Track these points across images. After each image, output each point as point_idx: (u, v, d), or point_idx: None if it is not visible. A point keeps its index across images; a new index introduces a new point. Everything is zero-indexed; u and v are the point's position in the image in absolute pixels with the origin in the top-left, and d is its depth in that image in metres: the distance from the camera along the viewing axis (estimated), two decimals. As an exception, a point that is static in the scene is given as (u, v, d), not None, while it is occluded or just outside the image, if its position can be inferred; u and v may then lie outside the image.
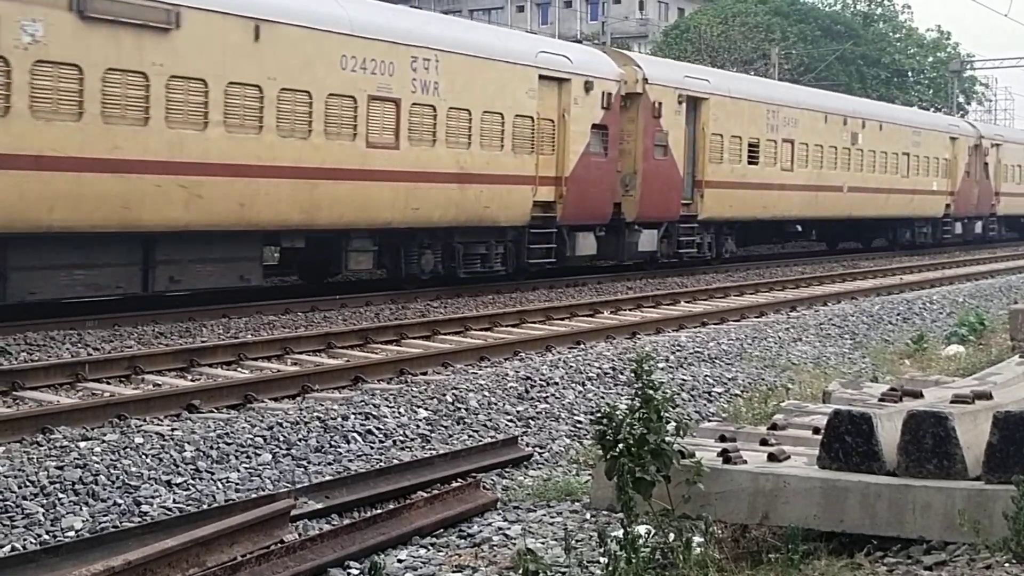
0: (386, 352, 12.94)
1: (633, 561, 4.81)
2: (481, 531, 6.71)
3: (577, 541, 6.05)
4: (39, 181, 12.98)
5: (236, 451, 8.07)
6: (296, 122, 15.79)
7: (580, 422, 9.75)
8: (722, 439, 6.42)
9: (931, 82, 63.66)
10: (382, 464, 8.10)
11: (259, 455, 8.07)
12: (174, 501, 7.10)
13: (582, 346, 13.52)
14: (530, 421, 9.70)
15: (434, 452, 8.46)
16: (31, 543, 6.34)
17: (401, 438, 8.85)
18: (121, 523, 6.68)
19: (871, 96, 47.68)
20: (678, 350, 13.10)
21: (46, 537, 6.46)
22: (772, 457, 5.70)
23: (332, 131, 16.30)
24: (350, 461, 8.22)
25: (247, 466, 7.86)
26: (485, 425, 9.43)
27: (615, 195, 22.34)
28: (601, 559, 5.12)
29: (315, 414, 9.00)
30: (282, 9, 15.66)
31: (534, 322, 15.83)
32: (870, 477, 5.22)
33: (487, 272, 19.85)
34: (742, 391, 11.44)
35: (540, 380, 10.85)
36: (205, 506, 6.99)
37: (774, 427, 7.11)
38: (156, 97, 14.04)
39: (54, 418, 8.69)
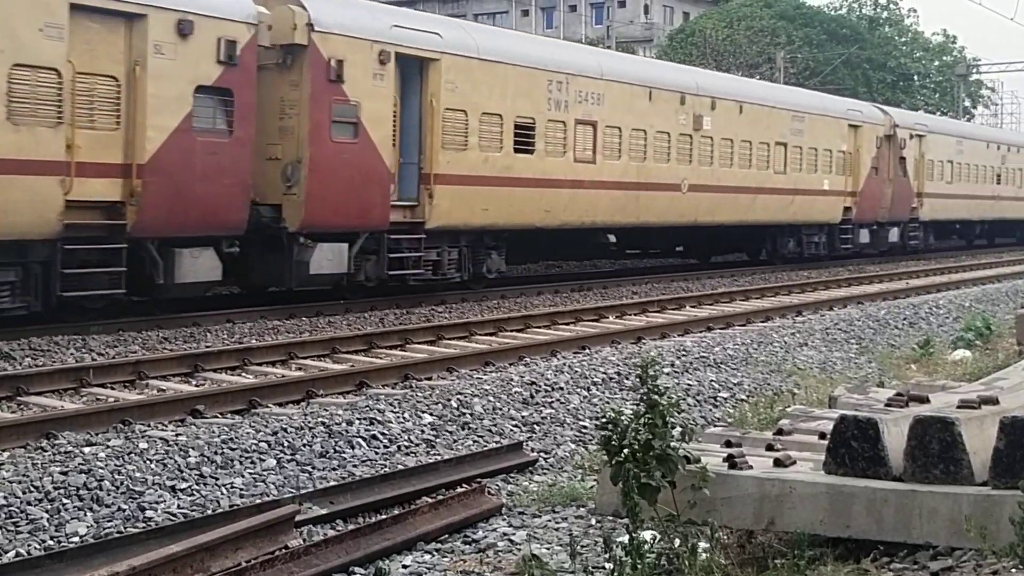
0: (391, 357, 12.93)
1: (638, 567, 4.80)
2: (486, 537, 6.70)
3: (582, 547, 6.04)
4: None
5: (240, 456, 8.06)
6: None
7: (585, 427, 9.73)
8: (728, 444, 6.40)
9: (937, 86, 63.64)
10: (387, 469, 8.08)
11: (263, 460, 8.06)
12: (178, 506, 7.09)
13: (587, 351, 13.50)
14: (535, 426, 9.68)
15: (439, 457, 8.45)
16: (36, 549, 6.33)
17: (406, 443, 8.83)
18: (125, 529, 6.67)
19: (877, 100, 47.56)
20: (683, 355, 13.08)
21: (50, 543, 6.45)
22: (778, 462, 5.68)
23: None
24: (355, 466, 8.21)
25: (251, 471, 7.85)
26: (490, 430, 9.42)
27: (251, 193, 15.54)
28: (606, 565, 5.10)
29: (319, 419, 8.99)
30: None
31: (539, 327, 15.83)
32: (876, 482, 5.20)
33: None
34: (748, 396, 11.42)
35: (545, 385, 10.84)
36: (209, 512, 6.98)
37: (780, 432, 7.09)
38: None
39: (58, 423, 8.69)
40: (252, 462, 8.01)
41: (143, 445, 8.08)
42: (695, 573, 4.97)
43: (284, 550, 5.95)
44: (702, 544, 5.10)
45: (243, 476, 7.74)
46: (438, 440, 9.03)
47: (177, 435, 8.49)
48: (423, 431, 9.14)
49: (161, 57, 13.98)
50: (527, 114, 19.95)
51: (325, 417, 9.08)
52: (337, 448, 8.47)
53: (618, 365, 11.99)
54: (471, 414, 9.69)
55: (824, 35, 56.29)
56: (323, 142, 16.25)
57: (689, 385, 11.54)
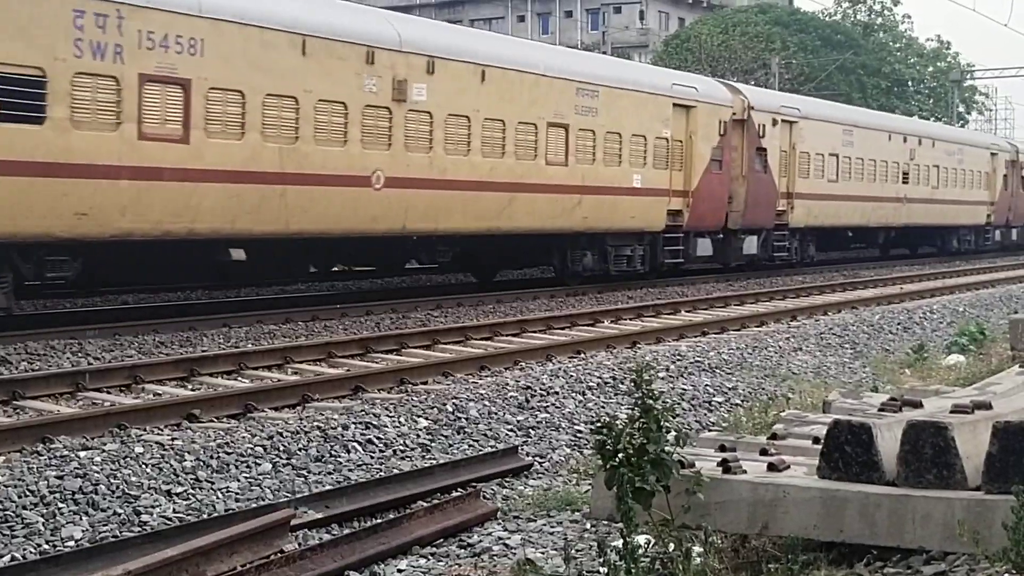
0: (386, 361, 12.94)
1: (633, 571, 4.81)
2: (481, 541, 6.72)
3: (577, 551, 6.04)
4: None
5: (236, 461, 8.07)
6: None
7: (580, 432, 9.75)
8: (722, 449, 6.41)
9: (931, 92, 63.80)
10: (382, 474, 8.09)
11: (259, 465, 8.07)
12: (174, 511, 7.10)
13: (582, 355, 13.51)
14: (530, 431, 9.69)
15: (434, 462, 8.46)
16: (31, 553, 6.33)
17: (401, 448, 8.85)
18: (121, 533, 6.68)
19: (871, 106, 47.61)
20: (678, 359, 13.10)
21: (46, 547, 6.45)
22: (772, 467, 5.70)
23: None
24: (350, 471, 8.22)
25: (247, 476, 7.86)
26: (485, 435, 9.43)
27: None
28: (601, 569, 5.11)
29: (315, 423, 9.00)
30: None
31: (534, 331, 15.83)
32: (870, 487, 5.22)
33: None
34: (742, 401, 11.44)
35: (540, 389, 10.85)
36: (205, 516, 6.99)
37: (774, 437, 7.11)
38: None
39: (54, 428, 8.68)
40: (248, 466, 8.02)
41: (139, 449, 8.09)
42: (689, 577, 4.98)
43: (280, 554, 5.96)
44: (696, 548, 5.12)
45: (239, 480, 7.75)
46: (433, 444, 9.04)
47: (173, 439, 8.49)
48: (419, 435, 9.15)
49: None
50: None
51: (321, 421, 9.09)
52: (333, 452, 8.48)
53: (613, 370, 12.01)
54: (466, 418, 9.70)
55: (819, 41, 56.45)
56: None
57: (684, 390, 11.56)
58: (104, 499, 7.11)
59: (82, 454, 7.93)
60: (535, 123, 20.06)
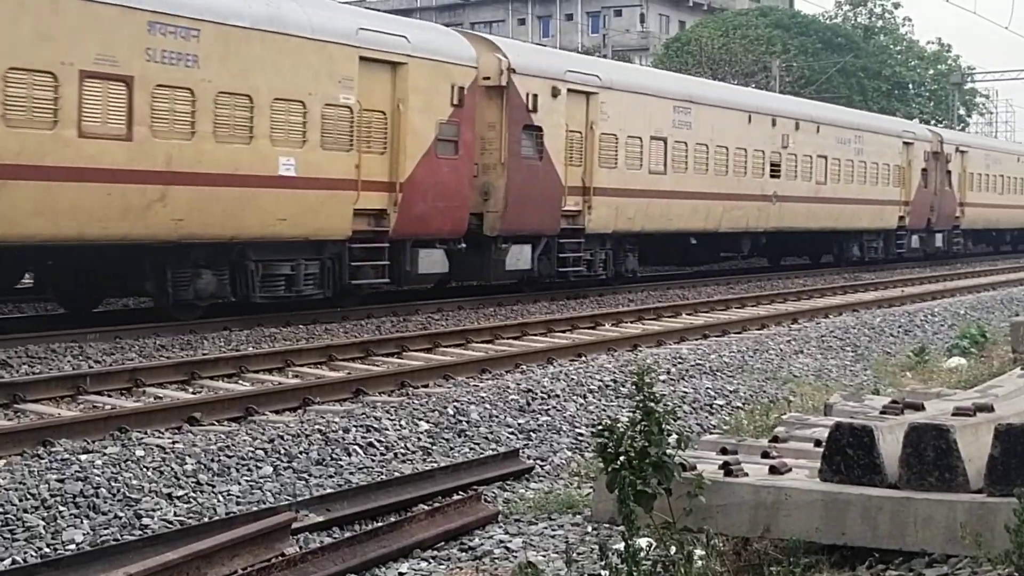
0: (387, 364, 12.94)
1: (634, 574, 4.80)
2: (482, 544, 6.71)
3: (578, 554, 6.04)
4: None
5: (237, 464, 8.07)
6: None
7: (581, 435, 9.74)
8: (723, 452, 6.41)
9: (932, 94, 63.81)
10: (383, 477, 8.09)
11: (260, 468, 8.07)
12: (175, 514, 7.09)
13: (583, 358, 13.51)
14: (531, 434, 9.69)
15: (435, 465, 8.46)
16: (32, 556, 6.33)
17: (402, 451, 8.84)
18: (122, 536, 6.67)
19: (872, 109, 47.64)
20: (679, 362, 13.09)
21: (47, 550, 6.45)
22: (773, 470, 5.69)
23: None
24: (351, 474, 8.21)
25: (248, 479, 7.85)
26: (486, 438, 9.43)
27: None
28: (602, 572, 5.11)
29: (316, 427, 9.00)
30: None
31: (535, 334, 15.83)
32: (872, 490, 5.21)
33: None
34: (743, 404, 11.43)
35: (541, 392, 10.85)
36: (206, 519, 6.98)
37: (775, 440, 7.10)
38: None
39: (55, 431, 8.68)
40: (248, 469, 8.02)
41: (140, 452, 8.09)
42: (691, 580, 4.97)
43: (280, 558, 5.96)
44: (698, 551, 5.11)
45: (239, 483, 7.75)
46: (434, 447, 9.04)
47: (174, 442, 8.49)
48: (419, 438, 9.14)
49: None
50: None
51: (322, 424, 9.09)
52: (333, 455, 8.48)
53: (614, 373, 12.00)
54: (467, 421, 9.70)
55: (819, 44, 56.42)
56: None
57: (685, 393, 11.55)
58: (105, 502, 7.11)
59: (83, 457, 7.93)
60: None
